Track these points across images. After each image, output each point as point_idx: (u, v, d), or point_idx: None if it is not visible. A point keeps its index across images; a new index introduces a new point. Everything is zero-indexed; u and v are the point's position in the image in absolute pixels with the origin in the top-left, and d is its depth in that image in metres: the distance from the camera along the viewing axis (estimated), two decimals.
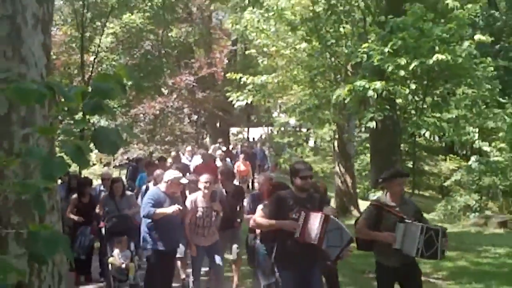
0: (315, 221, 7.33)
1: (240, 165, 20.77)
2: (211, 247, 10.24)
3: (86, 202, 12.31)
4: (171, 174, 10.13)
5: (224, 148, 26.05)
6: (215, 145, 27.12)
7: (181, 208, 9.72)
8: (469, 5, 13.82)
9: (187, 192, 11.72)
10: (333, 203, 18.64)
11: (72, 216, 12.28)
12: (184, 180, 10.34)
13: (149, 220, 9.80)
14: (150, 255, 9.90)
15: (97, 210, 12.10)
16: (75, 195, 12.37)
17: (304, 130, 31.76)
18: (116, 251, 10.60)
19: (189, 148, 23.86)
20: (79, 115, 2.43)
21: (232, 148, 31.83)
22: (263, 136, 40.26)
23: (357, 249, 8.31)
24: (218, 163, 18.43)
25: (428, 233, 7.41)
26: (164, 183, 9.94)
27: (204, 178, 10.31)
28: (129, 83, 2.45)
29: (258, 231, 9.25)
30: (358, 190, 22.81)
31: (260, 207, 9.00)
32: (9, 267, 2.22)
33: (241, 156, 22.31)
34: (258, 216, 8.20)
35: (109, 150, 2.33)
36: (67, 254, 2.42)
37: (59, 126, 5.40)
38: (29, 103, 2.23)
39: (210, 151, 22.24)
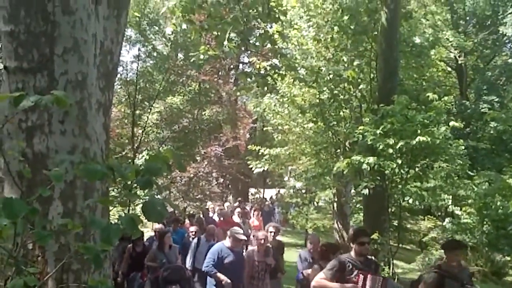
0: (374, 283, 6.71)
1: (254, 221, 20.46)
2: None
3: (139, 251, 11.54)
4: (234, 230, 9.54)
5: (239, 205, 26.00)
6: (232, 204, 27.02)
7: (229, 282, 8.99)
8: (445, 97, 13.85)
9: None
10: None
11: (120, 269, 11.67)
12: (242, 236, 9.61)
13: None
14: None
15: (151, 264, 11.02)
16: (130, 245, 11.60)
17: (309, 192, 31.61)
18: None
19: (211, 205, 23.80)
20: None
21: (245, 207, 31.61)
22: (273, 197, 40.11)
23: None
24: (236, 218, 18.55)
25: None
26: (229, 238, 9.35)
27: (260, 235, 9.73)
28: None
29: None
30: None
31: (315, 267, 8.41)
32: None
33: (255, 213, 21.99)
34: (319, 279, 7.18)
35: (156, 219, 2.33)
36: None
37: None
38: (93, 180, 2.25)
39: (227, 208, 22.13)
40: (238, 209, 21.26)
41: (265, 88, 12.56)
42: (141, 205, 2.33)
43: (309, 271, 9.05)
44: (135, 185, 2.38)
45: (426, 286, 7.22)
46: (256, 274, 9.43)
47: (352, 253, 7.07)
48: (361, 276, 6.72)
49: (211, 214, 20.64)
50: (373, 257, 7.90)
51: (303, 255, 10.34)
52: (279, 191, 42.49)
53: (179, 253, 11.94)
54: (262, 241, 9.50)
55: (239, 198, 32.65)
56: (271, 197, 39.02)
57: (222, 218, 17.02)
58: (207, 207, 23.08)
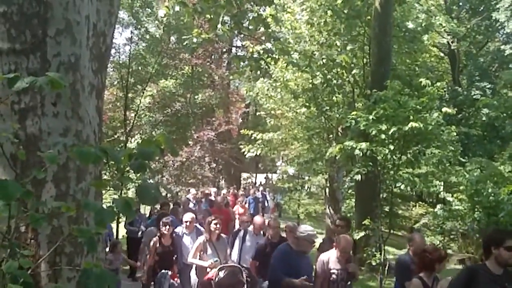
0: None
1: (238, 208, 20.28)
2: None
3: (167, 245, 9.98)
4: (305, 229, 7.67)
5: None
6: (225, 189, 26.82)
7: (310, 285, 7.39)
8: (438, 83, 13.87)
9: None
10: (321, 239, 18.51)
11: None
12: (314, 237, 7.84)
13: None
14: None
15: (195, 261, 9.40)
16: (155, 238, 9.99)
17: (301, 177, 31.71)
18: None
19: (193, 191, 23.19)
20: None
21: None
22: (263, 182, 40.13)
23: None
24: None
25: None
26: (296, 238, 7.58)
27: (343, 240, 7.77)
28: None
29: None
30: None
31: (415, 281, 6.51)
32: None
33: (239, 200, 21.63)
34: None
35: (150, 202, 2.33)
36: None
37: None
38: (87, 163, 2.25)
39: (222, 194, 21.80)
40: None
41: (258, 72, 12.58)
42: (133, 189, 2.34)
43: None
44: (128, 169, 2.38)
45: None
46: (335, 286, 7.68)
47: (490, 261, 5.45)
48: None
49: (192, 204, 19.83)
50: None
51: (404, 260, 8.09)
52: (267, 175, 42.56)
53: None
54: (347, 246, 7.70)
55: (233, 186, 32.68)
56: (260, 183, 39.03)
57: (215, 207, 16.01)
58: (187, 196, 22.34)
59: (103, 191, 3.89)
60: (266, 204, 29.45)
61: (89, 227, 2.57)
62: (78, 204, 3.61)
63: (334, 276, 7.60)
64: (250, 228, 10.26)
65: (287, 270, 7.32)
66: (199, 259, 9.43)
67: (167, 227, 9.97)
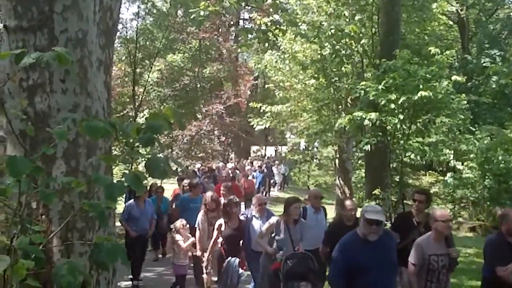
0: None
1: (244, 183, 20.13)
2: None
3: (234, 227, 8.85)
4: (371, 208, 5.84)
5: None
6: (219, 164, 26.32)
7: None
8: (447, 51, 13.74)
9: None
10: (334, 210, 18.54)
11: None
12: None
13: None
14: None
15: (261, 243, 8.25)
16: (220, 221, 8.91)
17: (313, 149, 31.71)
18: None
19: (198, 165, 22.80)
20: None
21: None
22: (272, 155, 40.06)
23: None
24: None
25: None
26: (365, 222, 5.61)
27: (440, 214, 6.47)
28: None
29: None
30: (354, 199, 22.73)
31: None
32: (78, 270, 2.21)
33: (243, 177, 21.39)
34: None
35: (159, 176, 2.32)
36: (124, 262, 2.38)
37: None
38: (96, 138, 2.24)
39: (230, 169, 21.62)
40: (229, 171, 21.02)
41: (266, 45, 12.49)
42: (143, 163, 2.34)
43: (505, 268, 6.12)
44: (137, 143, 2.38)
45: None
46: (435, 275, 6.40)
47: None
48: None
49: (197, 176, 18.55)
50: None
51: (495, 240, 6.67)
52: (276, 148, 42.54)
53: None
54: (446, 224, 6.39)
55: (238, 159, 32.66)
56: (269, 156, 39.01)
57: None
58: (193, 168, 21.58)
59: (113, 166, 3.89)
60: (273, 178, 29.47)
61: (100, 201, 2.56)
62: (88, 180, 3.62)
63: (434, 263, 6.34)
64: (309, 206, 9.09)
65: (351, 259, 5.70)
66: (269, 242, 8.27)
67: (234, 207, 8.98)
